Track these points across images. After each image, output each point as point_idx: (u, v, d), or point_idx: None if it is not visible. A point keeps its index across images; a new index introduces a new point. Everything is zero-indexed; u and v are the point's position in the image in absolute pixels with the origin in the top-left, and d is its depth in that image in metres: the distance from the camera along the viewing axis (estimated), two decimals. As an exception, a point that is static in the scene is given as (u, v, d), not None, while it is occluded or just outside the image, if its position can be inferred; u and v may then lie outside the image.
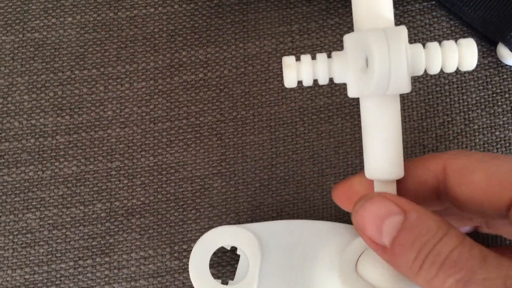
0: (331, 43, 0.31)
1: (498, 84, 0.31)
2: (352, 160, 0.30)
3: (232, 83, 0.31)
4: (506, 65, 0.31)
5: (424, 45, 0.20)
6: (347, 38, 0.21)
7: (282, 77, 0.31)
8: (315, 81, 0.21)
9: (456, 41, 0.20)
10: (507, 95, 0.30)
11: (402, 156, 0.21)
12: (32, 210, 0.29)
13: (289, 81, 0.21)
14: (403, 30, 0.19)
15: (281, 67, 0.31)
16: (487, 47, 0.31)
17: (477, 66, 0.31)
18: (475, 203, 0.20)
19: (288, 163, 0.30)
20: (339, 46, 0.31)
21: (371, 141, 0.21)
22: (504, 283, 0.15)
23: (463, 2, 0.30)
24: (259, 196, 0.30)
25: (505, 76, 0.31)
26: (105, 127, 0.30)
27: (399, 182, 0.21)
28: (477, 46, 0.30)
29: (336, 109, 0.31)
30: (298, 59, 0.21)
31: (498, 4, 0.30)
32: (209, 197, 0.30)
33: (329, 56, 0.21)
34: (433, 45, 0.20)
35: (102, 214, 0.29)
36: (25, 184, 0.29)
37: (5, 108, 0.30)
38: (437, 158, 0.21)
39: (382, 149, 0.21)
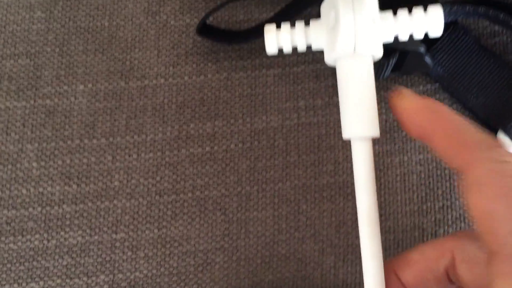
0: (336, 121, 0.32)
1: (498, 171, 0.31)
2: (352, 240, 0.31)
3: (238, 157, 0.31)
4: (506, 151, 0.31)
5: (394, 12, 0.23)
6: (323, 4, 0.24)
7: (287, 153, 0.32)
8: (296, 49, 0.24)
9: (425, 9, 0.23)
10: (505, 182, 0.31)
11: (377, 114, 0.22)
12: (36, 279, 0.29)
13: (270, 46, 0.24)
14: None
15: (287, 144, 0.32)
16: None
17: (478, 152, 0.31)
18: None
19: (290, 240, 0.31)
20: (344, 125, 0.32)
21: (346, 100, 0.22)
22: None
23: (466, 89, 0.31)
24: (260, 273, 0.30)
25: (504, 163, 0.31)
26: (111, 197, 0.31)
27: (408, 277, 0.23)
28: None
29: (339, 188, 0.31)
30: (279, 26, 0.24)
31: (500, 92, 0.31)
32: (211, 272, 0.30)
33: (307, 24, 0.24)
34: (402, 12, 0.23)
35: (105, 286, 0.30)
36: (30, 252, 0.30)
37: (14, 175, 0.31)
38: (446, 247, 0.23)
39: (356, 106, 0.22)
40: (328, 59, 0.23)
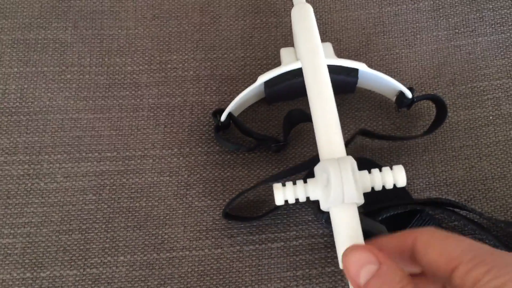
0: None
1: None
2: None
3: (247, 319, 0.38)
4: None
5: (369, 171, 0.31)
6: (316, 168, 0.31)
7: (287, 316, 0.39)
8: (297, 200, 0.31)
9: (391, 167, 0.31)
10: None
11: None
12: None
13: (278, 199, 0.31)
14: (349, 158, 0.30)
15: (287, 307, 0.39)
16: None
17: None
18: (431, 270, 0.26)
19: None
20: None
21: (339, 237, 0.29)
22: None
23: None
24: None
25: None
26: None
27: (386, 248, 0.28)
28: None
29: None
30: (284, 185, 0.31)
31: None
32: None
33: (305, 182, 0.31)
34: (374, 171, 0.30)
35: None
36: None
37: (64, 334, 0.37)
38: (412, 232, 0.27)
39: (347, 242, 0.28)
40: (323, 207, 0.31)
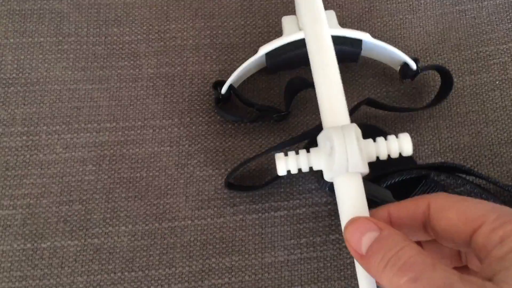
0: (333, 256, 0.39)
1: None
2: None
3: (251, 287, 0.38)
4: None
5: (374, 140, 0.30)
6: (319, 136, 0.30)
7: (292, 283, 0.38)
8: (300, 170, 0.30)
9: (396, 136, 0.29)
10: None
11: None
12: None
13: (281, 169, 0.30)
14: (354, 126, 0.29)
15: (291, 275, 0.38)
16: None
17: None
18: (448, 234, 0.25)
19: None
20: (340, 259, 0.39)
21: (343, 207, 0.28)
22: (443, 282, 0.20)
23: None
24: None
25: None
26: (146, 323, 0.37)
27: (396, 216, 0.27)
28: None
29: (335, 315, 0.38)
30: (286, 154, 0.30)
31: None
32: None
33: (308, 151, 0.30)
34: (380, 139, 0.29)
35: None
36: None
37: (66, 304, 0.37)
38: (424, 198, 0.27)
39: (351, 213, 0.27)
40: (327, 177, 0.30)
